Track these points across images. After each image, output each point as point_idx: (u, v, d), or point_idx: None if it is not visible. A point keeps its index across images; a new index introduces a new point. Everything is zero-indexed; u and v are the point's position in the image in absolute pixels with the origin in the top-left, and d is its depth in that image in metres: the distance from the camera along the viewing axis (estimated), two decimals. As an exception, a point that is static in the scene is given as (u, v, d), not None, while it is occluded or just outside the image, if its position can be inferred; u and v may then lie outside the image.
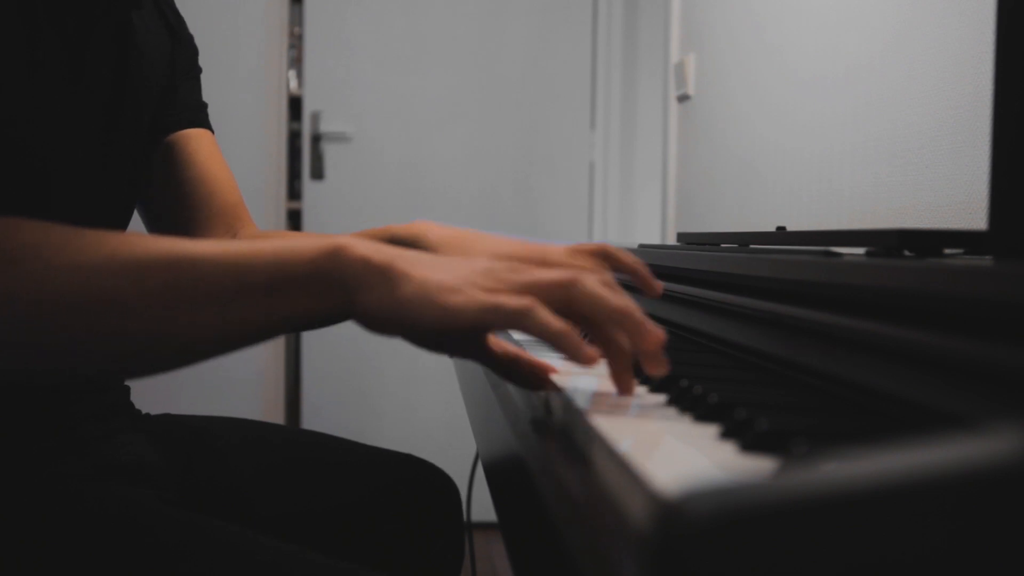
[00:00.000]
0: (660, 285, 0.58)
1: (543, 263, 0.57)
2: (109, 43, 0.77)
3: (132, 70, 0.80)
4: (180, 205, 0.91)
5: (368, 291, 0.49)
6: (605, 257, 0.61)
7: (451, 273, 0.50)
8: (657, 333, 0.49)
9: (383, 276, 0.49)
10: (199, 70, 0.96)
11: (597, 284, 0.50)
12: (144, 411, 0.92)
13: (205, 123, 0.95)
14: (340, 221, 2.58)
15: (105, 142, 0.76)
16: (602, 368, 0.62)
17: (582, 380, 0.56)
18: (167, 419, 0.94)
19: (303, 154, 2.58)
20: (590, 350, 0.48)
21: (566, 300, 0.49)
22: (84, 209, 0.74)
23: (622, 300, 0.49)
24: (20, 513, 0.66)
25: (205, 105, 0.96)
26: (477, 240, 0.74)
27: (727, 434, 0.40)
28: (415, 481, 0.97)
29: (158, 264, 0.49)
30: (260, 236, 0.91)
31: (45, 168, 0.68)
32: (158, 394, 0.91)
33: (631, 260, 0.60)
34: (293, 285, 0.49)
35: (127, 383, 0.88)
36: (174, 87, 0.91)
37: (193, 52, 0.95)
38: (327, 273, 0.49)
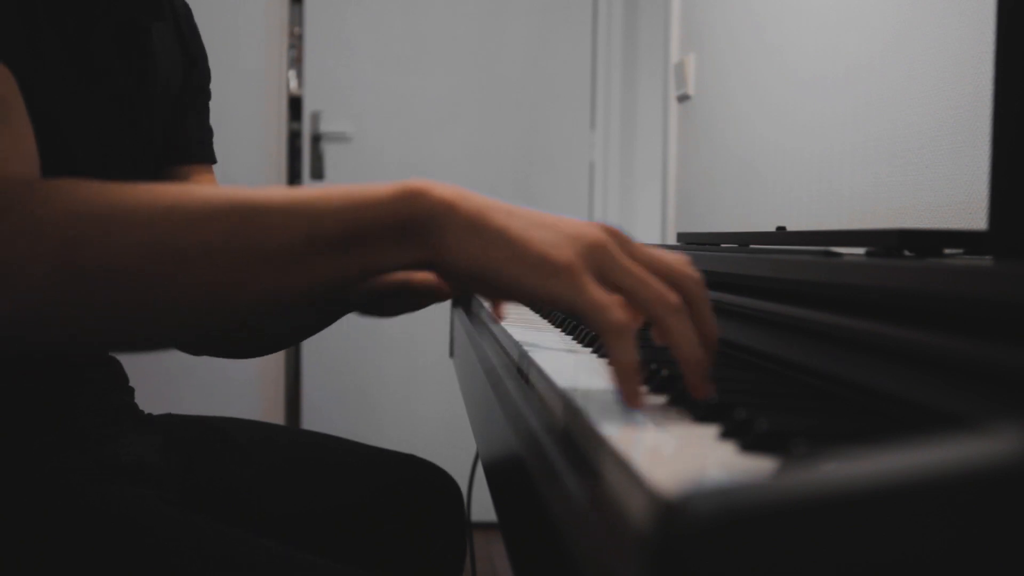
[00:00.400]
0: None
1: (652, 263, 0.48)
2: (129, 52, 0.77)
3: (150, 82, 0.80)
4: None
5: (455, 242, 0.45)
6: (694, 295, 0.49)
7: (559, 239, 0.45)
8: (704, 393, 0.46)
9: (473, 228, 0.45)
10: (209, 95, 0.95)
11: (690, 329, 0.46)
12: (145, 411, 0.92)
13: (210, 156, 0.94)
14: (340, 221, 2.58)
15: (121, 153, 0.77)
16: (602, 367, 0.62)
17: (582, 380, 0.56)
18: (169, 419, 0.94)
19: (303, 154, 2.58)
20: (641, 399, 0.45)
21: (660, 323, 0.46)
22: None
23: (702, 354, 0.46)
24: (20, 510, 0.66)
25: (211, 132, 0.95)
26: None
27: (727, 434, 0.40)
28: (417, 481, 0.97)
29: (224, 213, 0.44)
30: None
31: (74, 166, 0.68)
32: (159, 393, 0.91)
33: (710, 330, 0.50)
34: (368, 234, 0.45)
35: (131, 384, 0.88)
36: (184, 111, 0.90)
37: (206, 75, 0.94)
38: (406, 220, 0.45)
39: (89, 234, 0.44)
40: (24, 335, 0.47)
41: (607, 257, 0.46)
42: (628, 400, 0.45)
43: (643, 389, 0.45)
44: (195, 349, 0.91)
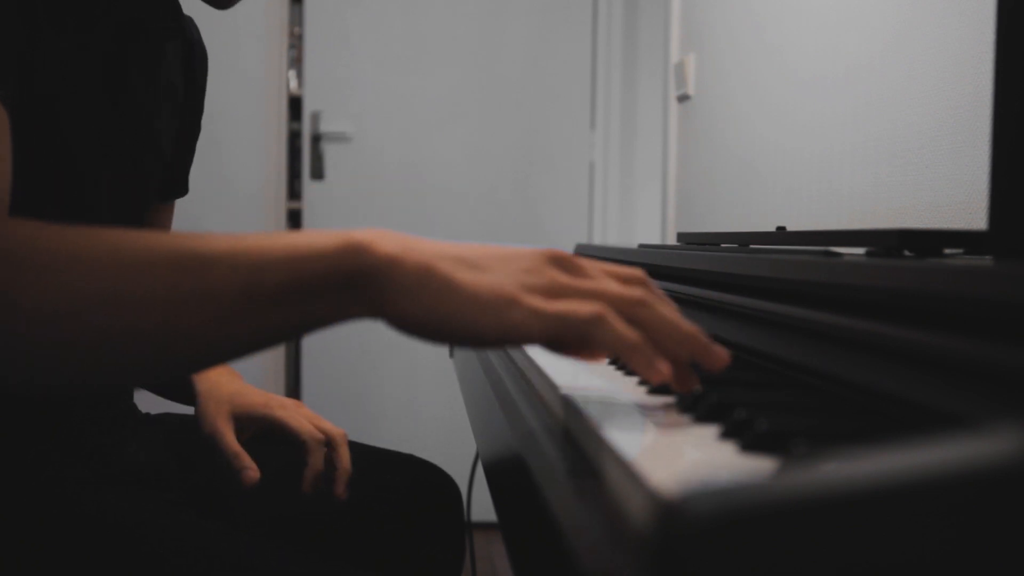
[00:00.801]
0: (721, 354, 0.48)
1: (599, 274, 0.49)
2: (150, 68, 0.77)
3: (161, 100, 0.81)
4: None
5: (405, 297, 0.44)
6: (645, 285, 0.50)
7: (499, 275, 0.45)
8: (723, 355, 0.47)
9: (420, 282, 0.44)
10: (199, 130, 0.97)
11: (664, 307, 0.47)
12: (144, 411, 0.92)
13: (187, 188, 0.97)
14: (340, 221, 2.58)
15: (134, 175, 0.78)
16: (602, 368, 0.62)
17: (581, 379, 0.56)
18: (169, 419, 0.94)
19: (303, 154, 2.58)
20: (663, 365, 0.45)
21: (632, 317, 0.46)
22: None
23: (690, 325, 0.47)
24: (21, 515, 0.66)
25: (190, 165, 0.98)
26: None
27: (727, 434, 0.40)
28: (417, 482, 0.97)
29: (165, 262, 0.44)
30: None
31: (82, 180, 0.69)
32: (155, 395, 0.91)
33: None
34: (309, 288, 0.44)
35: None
36: (179, 145, 0.92)
37: (202, 106, 0.95)
38: (348, 274, 0.44)
39: (31, 276, 0.43)
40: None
41: (554, 279, 0.46)
42: (650, 376, 0.45)
43: (660, 365, 0.45)
44: (160, 393, 0.92)
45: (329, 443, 0.88)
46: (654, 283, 0.49)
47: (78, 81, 0.68)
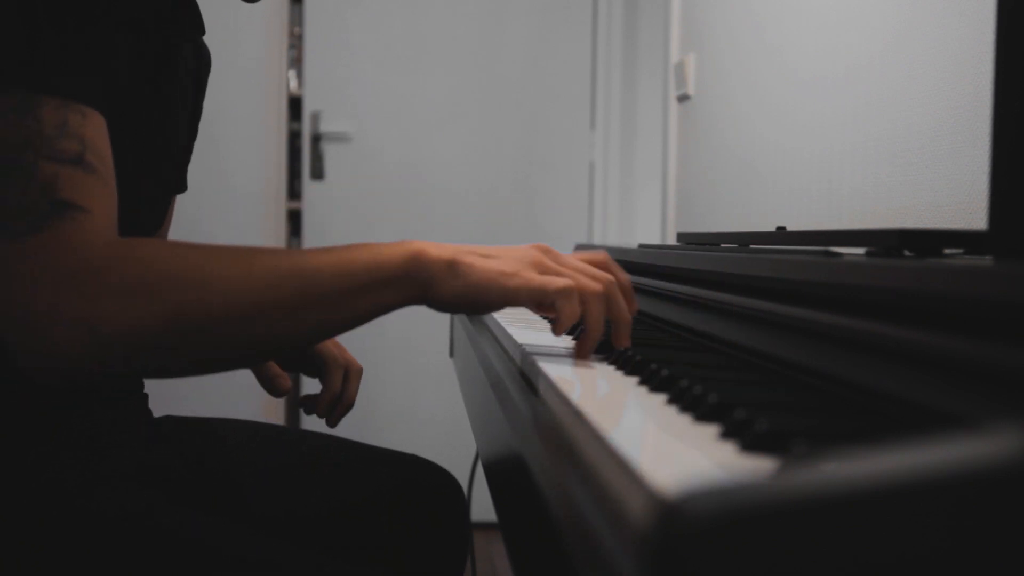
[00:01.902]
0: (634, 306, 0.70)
1: (575, 267, 0.68)
2: (172, 69, 0.80)
3: (179, 110, 0.83)
4: None
5: (441, 283, 0.63)
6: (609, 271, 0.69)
7: (505, 260, 0.64)
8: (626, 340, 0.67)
9: (452, 270, 0.63)
10: (196, 133, 0.98)
11: (621, 301, 0.66)
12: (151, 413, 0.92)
13: (186, 185, 1.00)
14: (340, 221, 2.58)
15: (159, 170, 0.79)
16: (602, 368, 0.62)
17: (581, 378, 0.56)
18: (171, 420, 0.94)
19: (303, 154, 2.58)
20: (588, 351, 0.65)
21: (586, 302, 0.64)
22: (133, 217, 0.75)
23: (628, 316, 0.66)
24: (21, 514, 0.66)
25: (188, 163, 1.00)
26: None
27: (727, 434, 0.40)
28: (420, 481, 0.97)
29: (287, 275, 0.60)
30: None
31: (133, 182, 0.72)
32: (159, 394, 0.91)
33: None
34: (386, 284, 0.62)
35: (146, 391, 0.88)
36: (190, 143, 0.94)
37: (199, 111, 0.97)
38: (411, 273, 0.62)
39: (190, 297, 0.57)
40: (118, 376, 0.62)
41: (544, 265, 0.65)
42: (584, 348, 0.65)
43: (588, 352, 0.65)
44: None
45: (347, 372, 0.99)
46: (616, 267, 0.68)
47: (126, 80, 0.71)
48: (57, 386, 0.60)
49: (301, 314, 0.60)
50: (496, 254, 0.65)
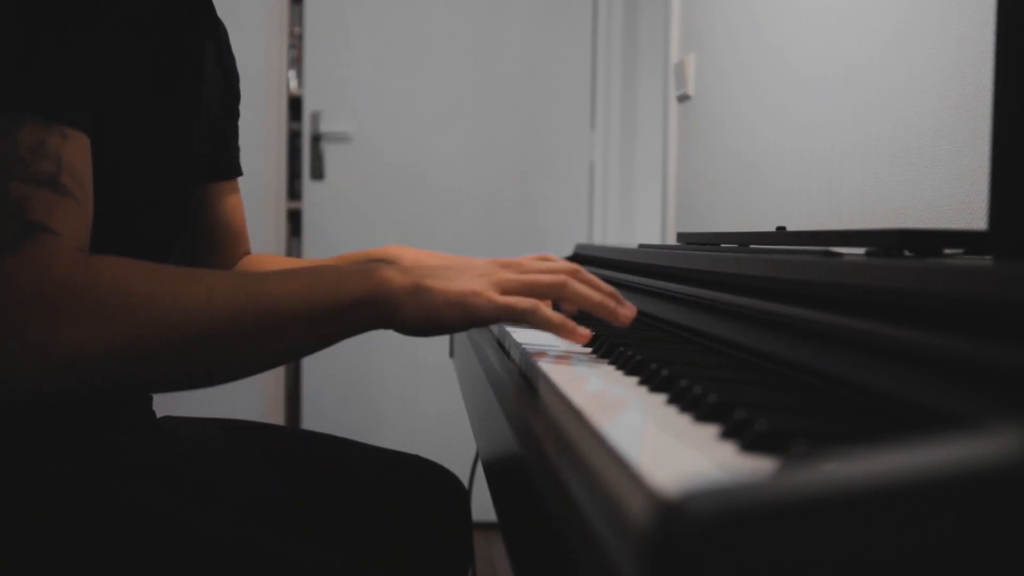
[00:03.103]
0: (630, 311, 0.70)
1: (536, 269, 0.70)
2: (184, 72, 0.81)
3: (201, 102, 0.85)
4: (205, 240, 1.00)
5: (405, 308, 0.63)
6: (575, 274, 0.71)
7: (466, 280, 0.65)
8: (627, 314, 0.68)
9: (415, 295, 0.63)
10: (239, 114, 1.02)
11: (580, 286, 0.68)
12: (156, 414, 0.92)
13: (240, 170, 1.03)
14: (340, 221, 2.58)
15: (172, 172, 0.79)
16: (602, 369, 0.62)
17: (582, 379, 0.56)
18: (172, 421, 0.94)
19: (303, 154, 2.58)
20: (583, 330, 0.67)
21: (559, 297, 0.68)
22: (145, 222, 0.76)
23: (598, 295, 0.68)
24: (20, 513, 0.66)
25: (239, 150, 1.03)
26: (447, 260, 0.92)
27: (727, 434, 0.40)
28: (422, 481, 0.97)
29: (249, 304, 0.60)
30: (275, 263, 1.05)
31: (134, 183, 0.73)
32: (159, 396, 0.91)
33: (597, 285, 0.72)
34: (346, 312, 0.63)
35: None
36: (224, 129, 0.97)
37: (238, 95, 1.01)
38: (373, 299, 0.63)
39: (151, 326, 0.57)
40: (81, 398, 0.61)
41: (504, 278, 0.66)
42: (572, 336, 0.67)
43: (582, 329, 0.67)
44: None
45: None
46: (577, 267, 0.70)
47: (137, 72, 0.72)
48: (18, 407, 0.62)
49: (261, 341, 0.61)
50: (455, 275, 0.66)
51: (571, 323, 0.66)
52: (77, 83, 0.62)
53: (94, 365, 0.56)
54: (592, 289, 0.68)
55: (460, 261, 0.73)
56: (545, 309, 0.65)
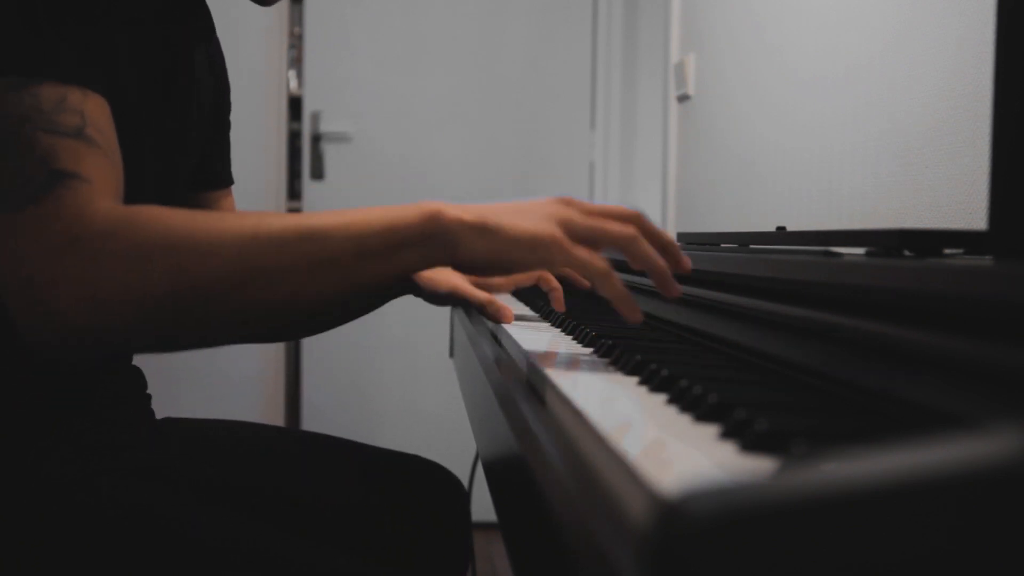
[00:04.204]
0: (688, 262, 0.68)
1: (603, 214, 0.65)
2: (176, 77, 0.81)
3: (192, 108, 0.84)
4: None
5: (468, 245, 0.60)
6: (641, 225, 0.67)
7: (536, 220, 0.61)
8: (687, 262, 0.66)
9: (479, 231, 0.60)
10: (230, 124, 1.02)
11: (649, 248, 0.63)
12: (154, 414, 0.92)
13: (232, 179, 1.02)
14: (340, 221, 2.58)
15: (172, 164, 0.79)
16: (602, 369, 0.62)
17: (582, 378, 0.56)
18: (172, 422, 0.94)
19: (303, 154, 2.58)
20: (639, 314, 0.63)
21: (625, 252, 0.63)
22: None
23: (661, 262, 0.63)
24: (30, 510, 0.67)
25: (230, 159, 1.03)
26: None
27: (727, 434, 0.40)
28: (422, 482, 0.97)
29: (294, 237, 0.57)
30: None
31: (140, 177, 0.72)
32: (159, 395, 0.91)
33: (663, 236, 0.68)
34: (403, 246, 0.59)
35: (148, 391, 0.88)
36: (217, 137, 0.96)
37: (229, 104, 1.00)
38: (431, 234, 0.59)
39: (191, 262, 0.55)
40: (123, 347, 0.61)
41: (573, 222, 0.62)
42: (631, 315, 0.63)
43: (639, 314, 0.63)
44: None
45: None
46: (640, 213, 0.65)
47: (136, 74, 0.72)
48: (62, 360, 0.59)
49: (310, 279, 0.57)
50: (523, 211, 0.62)
51: (632, 300, 0.62)
52: (88, 56, 0.62)
53: (137, 306, 0.54)
54: (656, 253, 0.63)
55: (519, 203, 0.67)
56: (617, 278, 0.61)
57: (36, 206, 0.55)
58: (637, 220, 0.64)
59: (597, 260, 0.61)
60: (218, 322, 0.58)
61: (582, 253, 0.60)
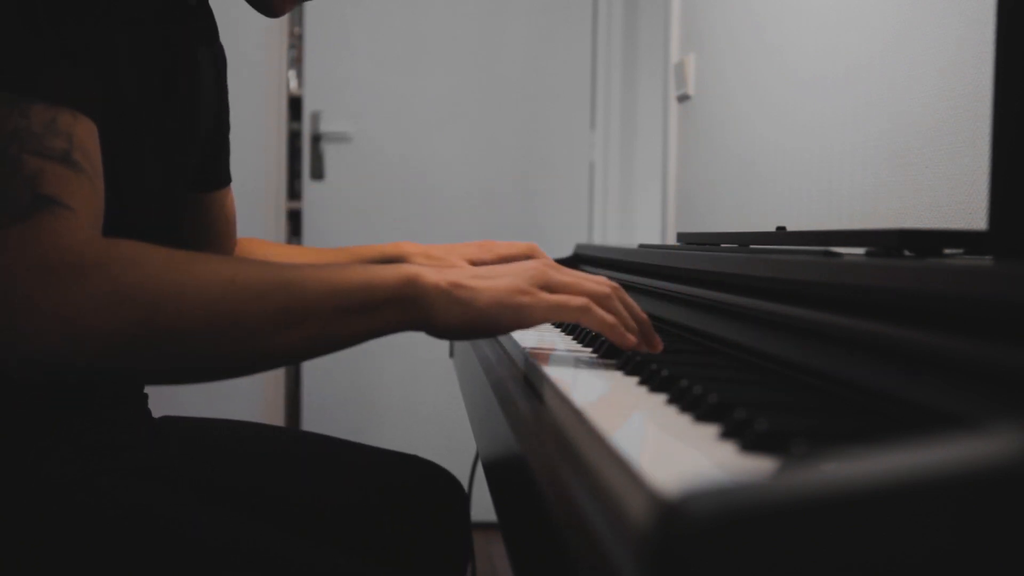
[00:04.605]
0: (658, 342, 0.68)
1: (582, 278, 0.67)
2: (189, 70, 0.81)
3: (197, 111, 0.85)
4: (198, 240, 1.01)
5: (443, 310, 0.60)
6: (618, 295, 0.68)
7: (509, 278, 0.62)
8: (659, 343, 0.66)
9: (454, 296, 0.60)
10: (229, 126, 1.02)
11: (620, 303, 0.65)
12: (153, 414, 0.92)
13: (230, 177, 1.03)
14: (340, 221, 2.58)
15: (173, 164, 0.80)
16: (601, 369, 0.62)
17: (581, 378, 0.56)
18: (170, 421, 0.94)
19: (303, 154, 2.58)
20: (632, 336, 0.63)
21: (604, 307, 0.64)
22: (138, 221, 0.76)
23: (641, 314, 0.66)
24: (29, 509, 0.67)
25: (229, 161, 1.03)
26: (453, 250, 0.96)
27: (727, 434, 0.40)
28: (422, 482, 0.97)
29: (271, 287, 0.57)
30: (265, 248, 1.07)
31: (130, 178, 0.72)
32: (158, 396, 0.91)
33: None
34: (380, 306, 0.59)
35: (146, 391, 0.88)
36: (217, 138, 0.97)
37: (227, 106, 1.01)
38: (406, 298, 0.60)
39: (169, 302, 0.55)
40: (86, 378, 0.60)
41: (548, 278, 0.63)
42: (622, 343, 0.63)
43: (630, 336, 0.63)
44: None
45: None
46: (617, 286, 0.67)
47: (136, 74, 0.72)
48: (35, 384, 0.58)
49: (285, 330, 0.57)
50: (497, 274, 0.63)
51: (623, 326, 0.63)
52: (81, 75, 0.62)
53: (108, 340, 0.54)
54: (629, 315, 0.65)
55: (492, 268, 0.68)
56: (598, 308, 0.62)
57: (17, 228, 0.55)
58: (615, 290, 0.66)
59: (572, 299, 0.62)
60: (189, 362, 0.57)
61: (557, 298, 0.61)
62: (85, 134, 0.60)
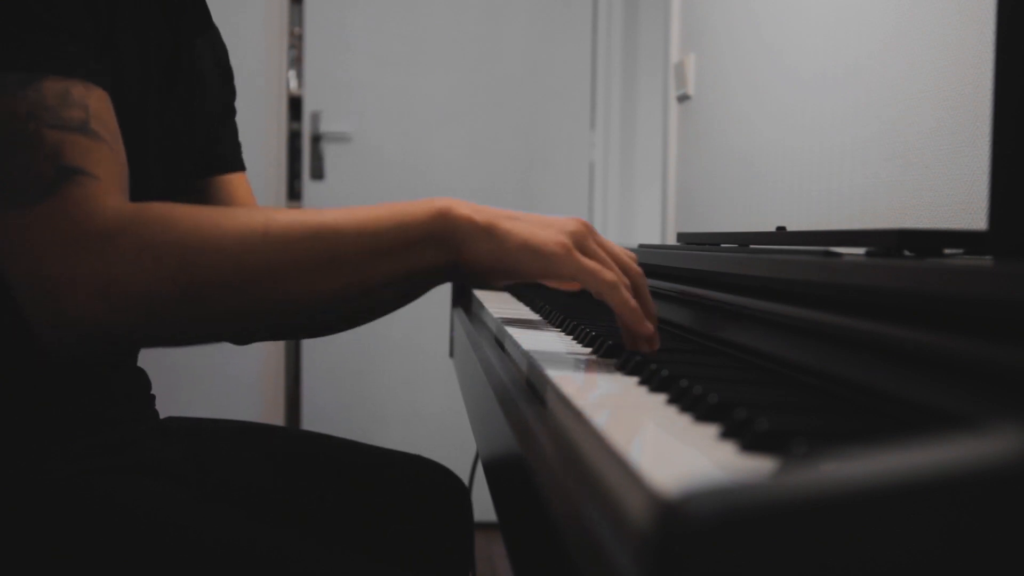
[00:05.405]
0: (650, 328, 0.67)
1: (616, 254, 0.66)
2: (180, 67, 0.81)
3: (198, 97, 0.84)
4: None
5: (475, 246, 0.60)
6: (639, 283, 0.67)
7: (547, 230, 0.61)
8: (657, 341, 0.65)
9: (488, 233, 0.60)
10: (235, 110, 1.01)
11: (646, 292, 0.65)
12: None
13: (243, 164, 1.01)
14: (340, 221, 2.58)
15: (176, 157, 0.80)
16: (601, 369, 0.62)
17: (581, 378, 0.56)
18: (175, 421, 0.94)
19: (303, 154, 2.58)
20: (650, 325, 0.63)
21: (635, 285, 0.64)
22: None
23: (652, 309, 0.66)
24: (31, 506, 0.67)
25: (240, 145, 1.01)
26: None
27: (727, 434, 0.40)
28: (424, 482, 0.97)
29: (304, 235, 0.57)
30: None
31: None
32: (161, 396, 0.91)
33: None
34: (414, 244, 0.59)
35: (152, 392, 0.88)
36: (222, 126, 0.96)
37: (234, 91, 1.00)
38: (439, 232, 0.59)
39: (202, 258, 0.55)
40: (134, 344, 0.60)
41: (586, 241, 0.62)
42: (639, 329, 0.62)
43: (648, 324, 0.62)
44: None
45: None
46: (641, 272, 0.66)
47: (137, 64, 0.72)
48: (76, 358, 0.58)
49: (320, 277, 0.57)
50: (535, 221, 0.62)
51: (640, 315, 0.62)
52: (89, 49, 0.62)
53: (149, 302, 0.54)
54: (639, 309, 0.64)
55: (538, 216, 0.67)
56: (626, 292, 0.61)
57: (46, 203, 0.55)
58: (639, 277, 0.65)
59: (607, 272, 0.60)
60: (227, 318, 0.58)
61: (591, 263, 0.60)
62: (99, 103, 0.60)
